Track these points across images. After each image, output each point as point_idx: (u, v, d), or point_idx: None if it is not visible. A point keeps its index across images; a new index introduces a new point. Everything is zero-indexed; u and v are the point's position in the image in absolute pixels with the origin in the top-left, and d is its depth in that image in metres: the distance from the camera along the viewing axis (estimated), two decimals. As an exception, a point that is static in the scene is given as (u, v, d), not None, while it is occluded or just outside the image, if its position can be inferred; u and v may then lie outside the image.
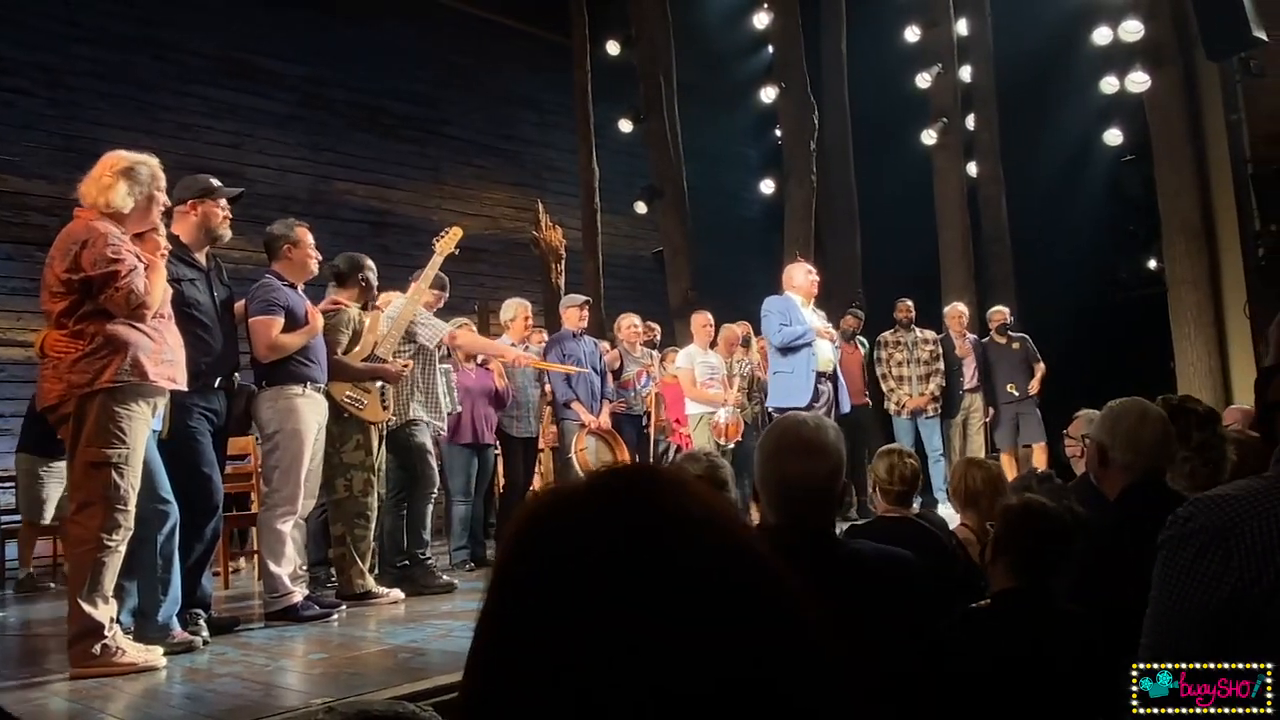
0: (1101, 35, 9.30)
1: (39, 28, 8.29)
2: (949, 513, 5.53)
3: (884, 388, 8.36)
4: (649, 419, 7.38)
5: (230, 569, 6.39)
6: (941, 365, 8.26)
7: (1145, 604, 1.60)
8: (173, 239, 3.79)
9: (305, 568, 4.61)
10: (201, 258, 4.06)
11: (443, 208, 10.72)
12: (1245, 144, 9.02)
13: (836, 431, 1.86)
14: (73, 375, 3.26)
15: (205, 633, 3.80)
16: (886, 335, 8.47)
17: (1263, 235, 8.74)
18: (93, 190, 3.39)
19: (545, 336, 7.27)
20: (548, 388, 6.74)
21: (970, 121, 10.95)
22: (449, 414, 5.71)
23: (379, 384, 4.81)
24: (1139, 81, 8.70)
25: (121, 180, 3.38)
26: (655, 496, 0.61)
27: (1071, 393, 7.82)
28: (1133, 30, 8.66)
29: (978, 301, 9.61)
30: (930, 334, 8.47)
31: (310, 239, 4.59)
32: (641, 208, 11.13)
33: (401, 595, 4.80)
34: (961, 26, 10.79)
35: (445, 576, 5.19)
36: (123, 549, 3.31)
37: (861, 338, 8.64)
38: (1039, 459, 7.94)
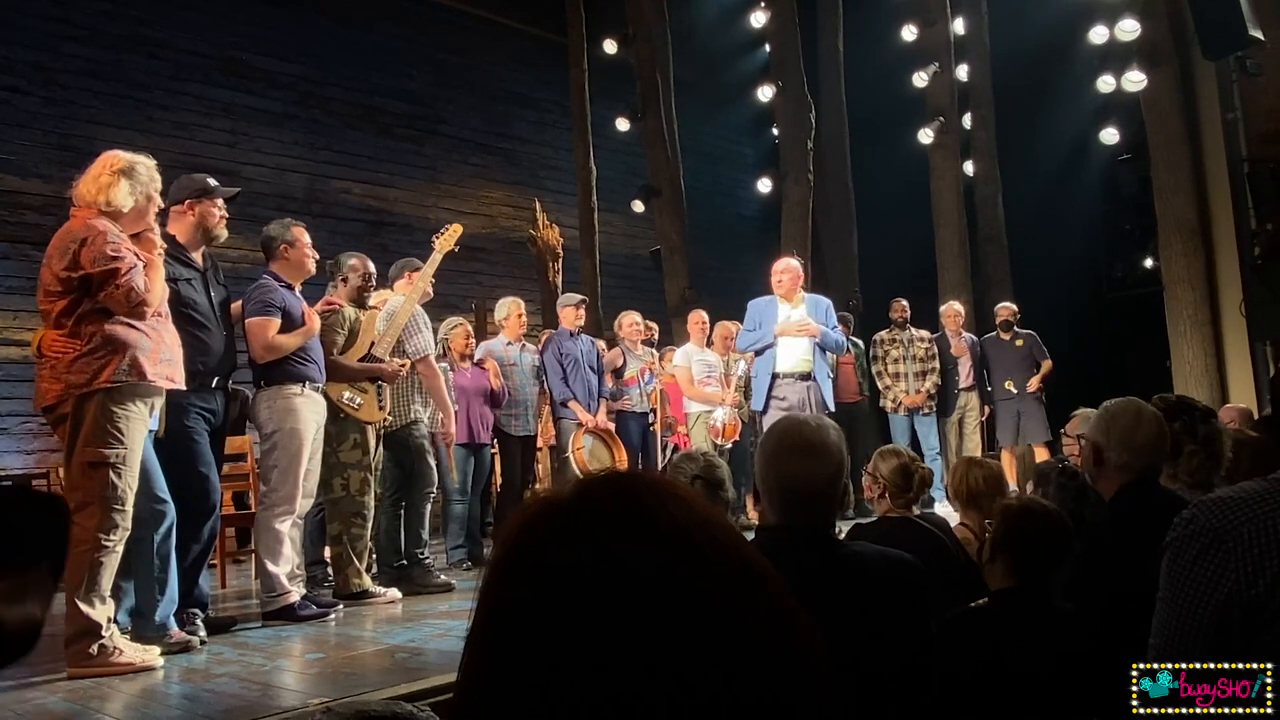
0: (1098, 34, 9.30)
1: (32, 27, 8.27)
2: (945, 511, 5.54)
3: (880, 385, 8.37)
4: (654, 416, 7.38)
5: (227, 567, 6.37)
6: (937, 364, 8.28)
7: (1141, 603, 1.61)
8: (169, 239, 3.79)
9: (302, 567, 4.60)
10: (198, 258, 4.05)
11: (440, 207, 10.72)
12: (1241, 143, 9.03)
13: (838, 432, 1.86)
14: (71, 375, 3.26)
15: (202, 632, 3.80)
16: (882, 334, 8.49)
17: (1258, 234, 8.76)
18: (91, 189, 3.38)
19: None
20: (545, 387, 6.74)
21: (967, 120, 10.95)
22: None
23: (376, 384, 4.81)
24: (1135, 80, 8.71)
25: (122, 179, 3.38)
26: (641, 503, 0.61)
27: (1067, 392, 7.84)
28: (1129, 29, 8.66)
29: (974, 300, 9.62)
30: (925, 333, 8.49)
31: (307, 238, 4.58)
32: (639, 206, 11.12)
33: (399, 595, 4.79)
34: (958, 25, 10.80)
35: (442, 576, 5.18)
36: (120, 549, 3.31)
37: (855, 338, 8.65)
38: (1040, 458, 7.94)
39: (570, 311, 6.75)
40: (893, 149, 11.06)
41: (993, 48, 11.16)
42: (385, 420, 4.92)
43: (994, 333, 8.58)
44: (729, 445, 6.96)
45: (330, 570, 4.85)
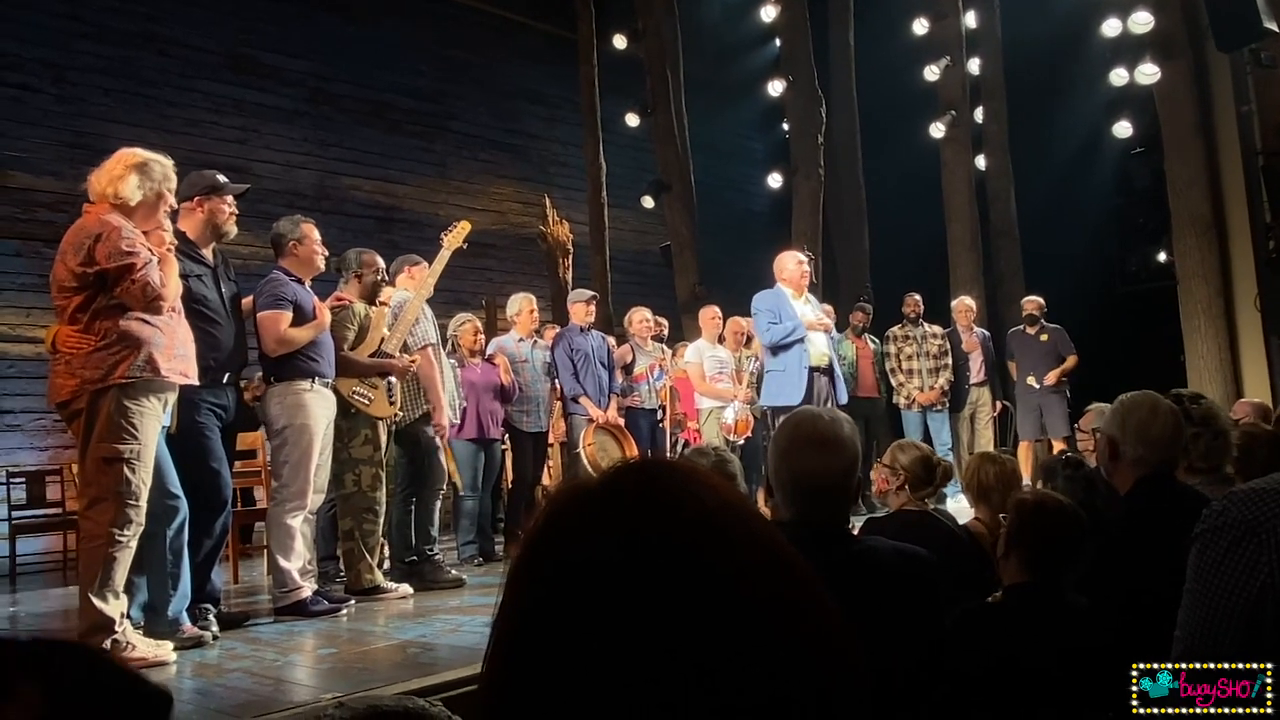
0: (1111, 27, 9.25)
1: (43, 24, 8.29)
2: (958, 506, 5.52)
3: (893, 382, 8.35)
4: (664, 413, 7.37)
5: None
6: (950, 360, 8.24)
7: (1157, 598, 1.59)
8: (179, 235, 3.80)
9: (314, 562, 4.62)
10: (208, 254, 4.06)
11: (449, 203, 10.72)
12: (1256, 136, 8.97)
13: (851, 426, 1.85)
14: (86, 370, 3.27)
15: (215, 628, 3.81)
16: (895, 330, 8.46)
17: (1273, 227, 8.69)
18: (102, 181, 3.40)
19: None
20: (557, 383, 6.74)
21: (979, 114, 10.91)
22: (458, 409, 5.71)
23: (386, 379, 4.81)
24: (1148, 73, 8.66)
25: (133, 173, 3.39)
26: (671, 491, 0.60)
27: (1080, 386, 7.81)
28: (1142, 22, 8.60)
29: (986, 295, 9.59)
30: (938, 328, 8.45)
31: (316, 234, 4.59)
32: (649, 202, 11.11)
33: (410, 590, 4.80)
34: (970, 19, 10.74)
35: (454, 571, 5.20)
36: (134, 544, 3.32)
37: (871, 335, 8.62)
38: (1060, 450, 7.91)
39: (581, 307, 6.75)
40: (904, 143, 11.02)
41: (1004, 41, 11.11)
42: (396, 416, 4.92)
43: (1020, 326, 8.52)
44: (741, 441, 6.95)
45: (342, 565, 4.87)
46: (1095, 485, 3.04)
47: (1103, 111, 10.37)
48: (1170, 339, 9.10)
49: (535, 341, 6.69)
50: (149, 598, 3.61)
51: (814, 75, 9.88)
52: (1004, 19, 11.10)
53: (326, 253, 4.65)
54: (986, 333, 8.60)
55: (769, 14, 10.68)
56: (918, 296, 8.48)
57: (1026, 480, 6.58)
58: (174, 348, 3.43)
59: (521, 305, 6.58)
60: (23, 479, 7.21)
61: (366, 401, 4.71)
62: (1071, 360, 8.16)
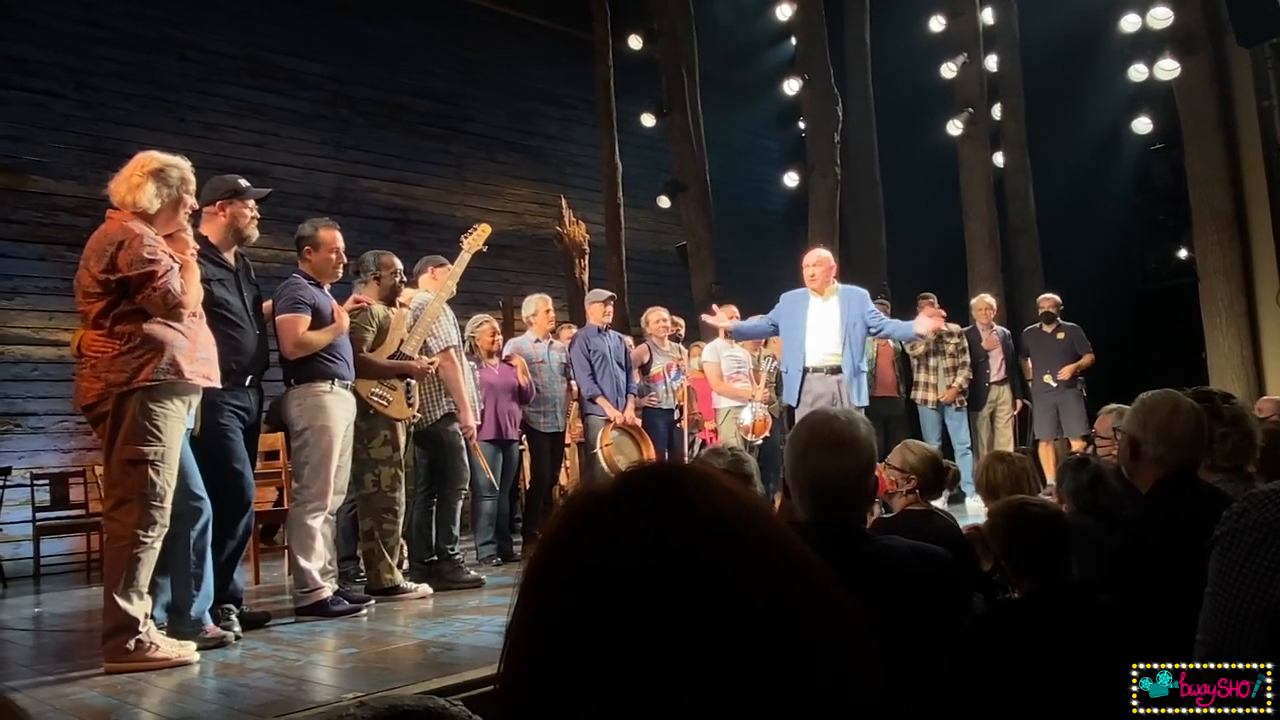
0: (1130, 22, 9.19)
1: (65, 30, 8.37)
2: (977, 505, 5.50)
3: (910, 380, 8.31)
4: (681, 413, 7.36)
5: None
6: (967, 358, 8.19)
7: (1180, 598, 1.58)
8: (201, 239, 3.83)
9: (334, 563, 4.64)
10: (230, 258, 4.09)
11: (466, 204, 10.76)
12: (1277, 131, 8.89)
13: (868, 426, 1.85)
14: (110, 374, 3.31)
15: (237, 628, 3.84)
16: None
17: (1295, 223, 8.62)
18: (122, 189, 3.43)
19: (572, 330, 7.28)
20: (574, 383, 6.75)
21: (996, 111, 10.85)
22: (476, 410, 5.72)
23: (405, 381, 4.84)
24: (1168, 69, 8.59)
25: (151, 181, 3.42)
26: (686, 496, 0.60)
27: (1100, 385, 7.75)
28: (1161, 17, 8.54)
29: (1005, 293, 9.53)
30: (955, 327, 8.40)
31: (336, 239, 4.58)
32: (665, 202, 11.11)
33: (430, 590, 4.82)
34: (987, 15, 10.70)
35: (472, 572, 5.21)
36: (158, 545, 3.35)
37: None
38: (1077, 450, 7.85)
39: (598, 308, 6.75)
40: (921, 141, 10.98)
41: (1022, 37, 11.05)
42: (414, 417, 4.95)
43: (1036, 324, 8.46)
44: (759, 441, 6.93)
45: (362, 566, 4.90)
46: (1103, 481, 3.03)
47: (1122, 108, 10.30)
48: (1191, 336, 9.03)
49: (552, 342, 6.70)
50: (172, 598, 3.64)
51: (830, 73, 9.85)
52: (1021, 15, 11.04)
53: (343, 260, 4.65)
54: (1006, 331, 8.55)
55: (784, 13, 10.66)
56: (932, 297, 8.43)
57: (1050, 480, 6.54)
58: (197, 351, 3.46)
59: (538, 306, 6.59)
60: (47, 481, 7.29)
61: (385, 403, 4.74)
62: (1088, 358, 8.08)
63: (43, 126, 8.16)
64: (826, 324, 5.82)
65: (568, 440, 7.10)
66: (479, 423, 5.65)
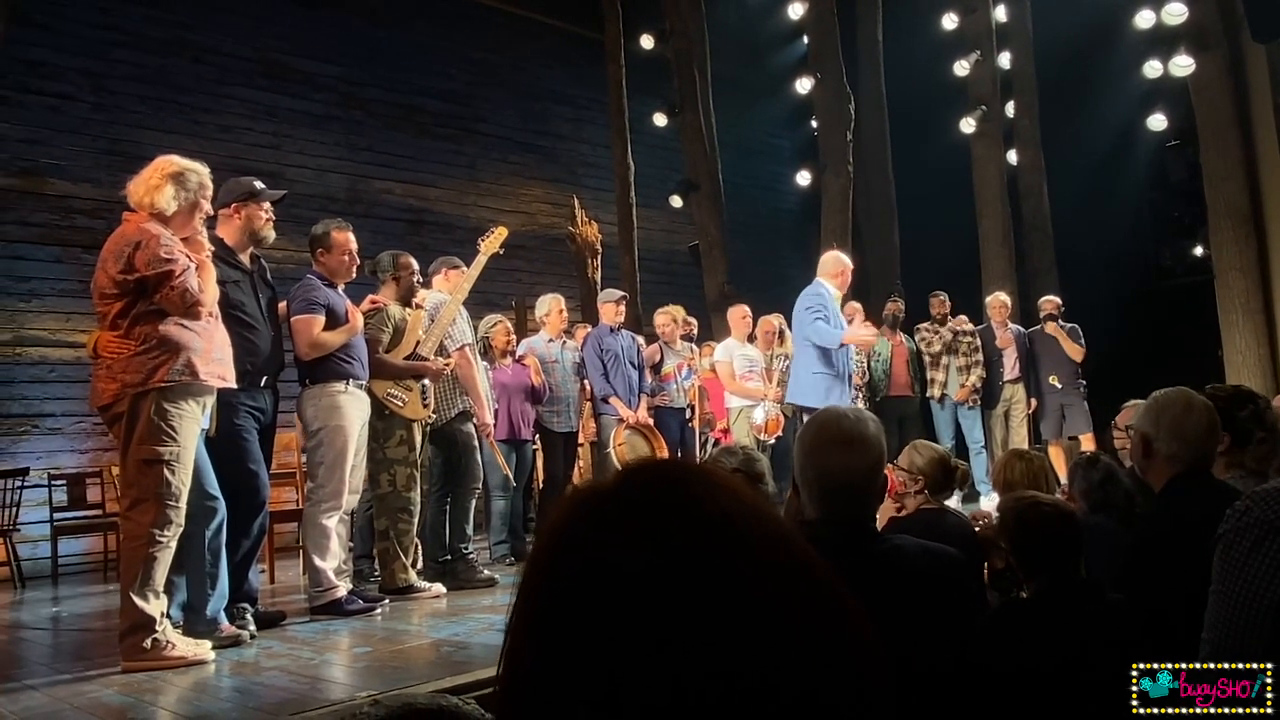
0: (1144, 19, 9.13)
1: (81, 34, 8.44)
2: (992, 504, 5.48)
3: (925, 377, 8.28)
4: (692, 412, 7.37)
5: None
6: (981, 356, 8.15)
7: (1191, 596, 1.58)
8: (217, 241, 3.86)
9: (349, 562, 4.67)
10: (245, 260, 4.12)
11: (479, 205, 10.79)
12: (1294, 127, 8.82)
13: (877, 424, 1.85)
14: (127, 374, 3.34)
15: (252, 627, 3.87)
16: (923, 326, 8.39)
17: (1313, 219, 8.55)
18: (140, 190, 3.47)
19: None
20: (586, 383, 6.76)
21: (1010, 109, 10.80)
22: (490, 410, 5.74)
23: (421, 382, 4.86)
24: (1183, 65, 8.54)
25: (170, 183, 3.45)
26: (687, 492, 0.60)
27: (1115, 382, 7.70)
28: (1176, 13, 8.49)
29: (1019, 291, 9.49)
30: (969, 325, 8.37)
31: (349, 240, 4.61)
32: (677, 201, 11.11)
33: (443, 590, 4.84)
34: (1000, 12, 10.64)
35: (486, 571, 5.23)
36: (174, 545, 3.38)
37: (905, 334, 8.55)
38: (1087, 449, 7.79)
39: (611, 308, 6.76)
40: (934, 139, 10.93)
41: (1035, 34, 10.99)
42: (430, 417, 4.97)
43: (1038, 326, 8.42)
44: (771, 441, 6.93)
45: (376, 565, 4.92)
46: (1114, 479, 3.01)
47: (1136, 104, 10.25)
48: (1207, 333, 8.96)
49: (565, 342, 6.71)
50: (188, 597, 3.67)
51: (842, 72, 9.83)
52: (1034, 12, 10.98)
53: (356, 261, 4.67)
54: (1021, 329, 8.50)
55: (796, 11, 10.65)
56: (943, 296, 8.39)
57: (1064, 479, 6.51)
58: (212, 352, 3.49)
59: (551, 306, 6.61)
60: (64, 481, 7.35)
61: (400, 403, 4.76)
62: (1078, 352, 7.99)
63: (59, 129, 8.22)
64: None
65: (580, 440, 7.11)
66: (494, 422, 5.68)
